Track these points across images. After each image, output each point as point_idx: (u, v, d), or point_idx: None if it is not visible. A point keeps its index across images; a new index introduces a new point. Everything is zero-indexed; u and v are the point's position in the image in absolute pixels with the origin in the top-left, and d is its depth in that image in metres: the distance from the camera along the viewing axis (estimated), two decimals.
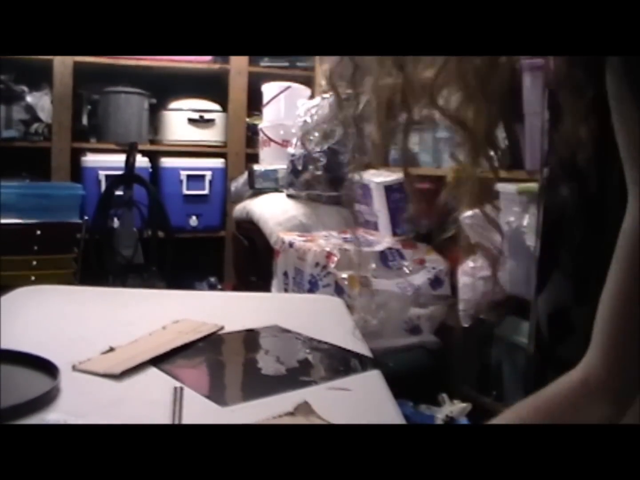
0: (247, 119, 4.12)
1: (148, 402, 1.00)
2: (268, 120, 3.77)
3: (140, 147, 3.56)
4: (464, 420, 2.16)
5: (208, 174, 4.00)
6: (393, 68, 0.44)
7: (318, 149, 3.07)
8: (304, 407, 0.94)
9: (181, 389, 1.00)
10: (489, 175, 0.55)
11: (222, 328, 1.35)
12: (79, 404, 0.96)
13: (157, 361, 1.14)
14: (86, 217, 3.33)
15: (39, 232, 3.15)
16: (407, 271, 2.51)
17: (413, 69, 0.45)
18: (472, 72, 0.44)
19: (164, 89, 4.02)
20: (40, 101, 3.70)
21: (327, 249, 2.51)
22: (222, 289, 3.87)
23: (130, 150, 3.36)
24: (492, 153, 0.53)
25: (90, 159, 3.77)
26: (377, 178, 2.60)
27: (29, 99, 3.69)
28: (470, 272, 2.25)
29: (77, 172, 3.75)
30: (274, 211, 3.13)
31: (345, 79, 0.51)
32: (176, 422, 0.88)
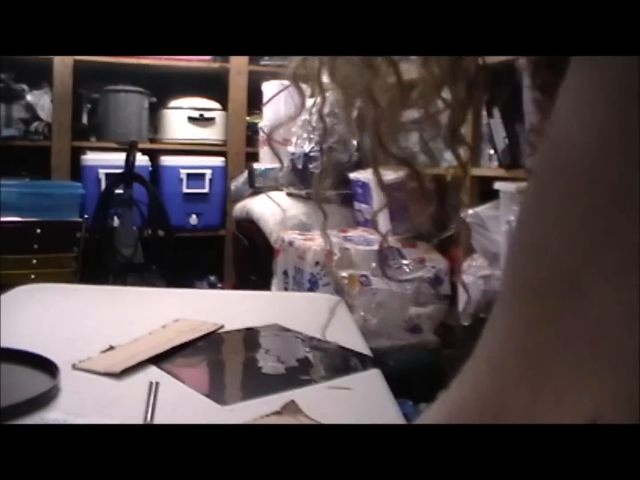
0: (247, 118, 4.12)
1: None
2: (268, 119, 3.77)
3: (140, 145, 3.57)
4: None
5: (208, 172, 4.00)
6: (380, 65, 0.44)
7: (318, 148, 3.08)
8: (291, 407, 0.94)
9: (157, 384, 1.00)
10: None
11: (222, 327, 1.35)
12: (79, 402, 0.96)
13: (157, 360, 1.14)
14: (86, 216, 3.34)
15: (39, 231, 3.15)
16: (407, 270, 2.51)
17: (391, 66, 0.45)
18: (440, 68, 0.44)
19: (164, 87, 4.02)
20: (40, 100, 3.70)
21: (327, 247, 2.51)
22: (222, 288, 3.87)
23: (130, 149, 3.36)
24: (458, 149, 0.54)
25: (90, 158, 3.77)
26: None
27: (29, 97, 3.69)
28: (471, 271, 2.25)
29: (77, 171, 3.76)
30: (274, 210, 3.14)
31: (313, 77, 0.52)
32: (149, 417, 0.89)
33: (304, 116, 3.22)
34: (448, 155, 0.54)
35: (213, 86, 4.09)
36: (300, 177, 3.15)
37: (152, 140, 4.03)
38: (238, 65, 4.02)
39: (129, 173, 3.38)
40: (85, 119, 3.92)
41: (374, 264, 2.47)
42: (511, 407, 0.28)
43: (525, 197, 0.30)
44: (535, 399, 0.27)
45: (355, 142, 3.00)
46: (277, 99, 3.74)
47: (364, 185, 2.87)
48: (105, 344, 1.17)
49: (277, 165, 3.44)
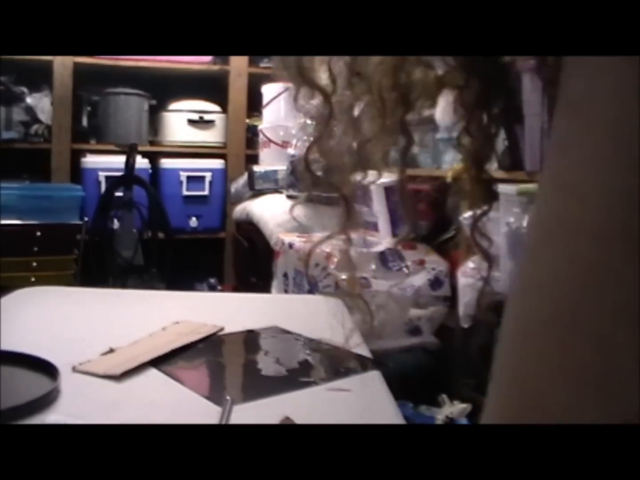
0: (247, 120, 4.12)
1: (148, 403, 1.00)
2: (268, 121, 3.77)
3: (140, 148, 3.57)
4: (464, 421, 2.16)
5: (208, 175, 4.00)
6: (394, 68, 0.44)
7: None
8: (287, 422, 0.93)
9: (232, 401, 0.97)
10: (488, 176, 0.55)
11: (222, 329, 1.35)
12: (79, 405, 0.96)
13: (157, 362, 1.14)
14: (86, 219, 3.34)
15: (39, 234, 3.15)
16: (407, 272, 2.51)
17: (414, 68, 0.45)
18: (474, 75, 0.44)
19: (164, 90, 4.02)
20: (40, 102, 3.70)
21: (327, 250, 2.51)
22: (222, 290, 3.87)
23: (130, 152, 3.36)
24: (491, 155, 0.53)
25: (90, 160, 3.77)
26: None
27: (29, 100, 3.69)
28: (471, 273, 2.25)
29: (77, 174, 3.75)
30: (274, 212, 3.13)
31: (340, 81, 0.51)
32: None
33: (304, 119, 3.22)
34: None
35: (213, 88, 4.09)
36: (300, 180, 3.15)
37: (152, 143, 4.03)
38: (238, 67, 4.03)
39: (129, 175, 3.38)
40: (85, 122, 3.92)
41: (373, 266, 2.47)
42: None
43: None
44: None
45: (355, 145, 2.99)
46: (277, 101, 3.74)
47: (363, 188, 2.87)
48: (106, 347, 1.17)
49: (277, 167, 3.44)
